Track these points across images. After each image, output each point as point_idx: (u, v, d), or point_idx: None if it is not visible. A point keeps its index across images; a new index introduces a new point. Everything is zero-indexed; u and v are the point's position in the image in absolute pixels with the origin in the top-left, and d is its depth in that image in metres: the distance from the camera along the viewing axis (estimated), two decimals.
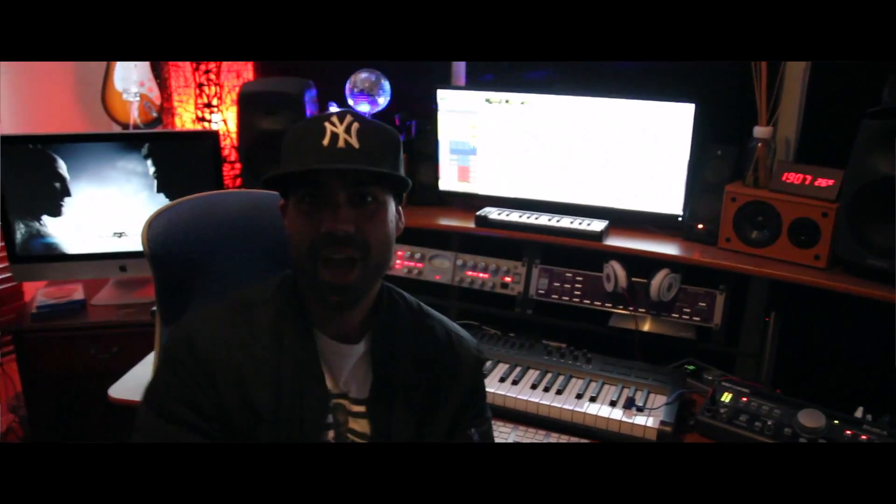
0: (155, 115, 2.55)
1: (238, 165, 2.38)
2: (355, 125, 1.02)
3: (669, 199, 1.97)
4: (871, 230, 1.63)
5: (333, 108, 2.19)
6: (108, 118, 2.51)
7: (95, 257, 2.28)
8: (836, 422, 1.52)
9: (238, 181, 2.47)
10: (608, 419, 1.60)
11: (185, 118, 2.50)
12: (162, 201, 2.25)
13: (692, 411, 1.67)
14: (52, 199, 2.20)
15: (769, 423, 1.55)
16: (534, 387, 1.72)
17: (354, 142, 1.01)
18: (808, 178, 1.75)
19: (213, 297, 1.35)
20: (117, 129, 2.50)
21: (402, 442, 1.11)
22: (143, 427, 1.05)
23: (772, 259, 1.80)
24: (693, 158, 1.92)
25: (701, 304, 1.90)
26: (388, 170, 1.04)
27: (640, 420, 1.58)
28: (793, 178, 1.78)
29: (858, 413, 1.57)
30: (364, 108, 2.23)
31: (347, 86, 2.23)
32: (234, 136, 2.48)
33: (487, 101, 2.10)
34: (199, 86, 2.46)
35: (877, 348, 1.78)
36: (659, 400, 1.65)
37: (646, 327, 1.96)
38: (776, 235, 1.79)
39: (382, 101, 2.23)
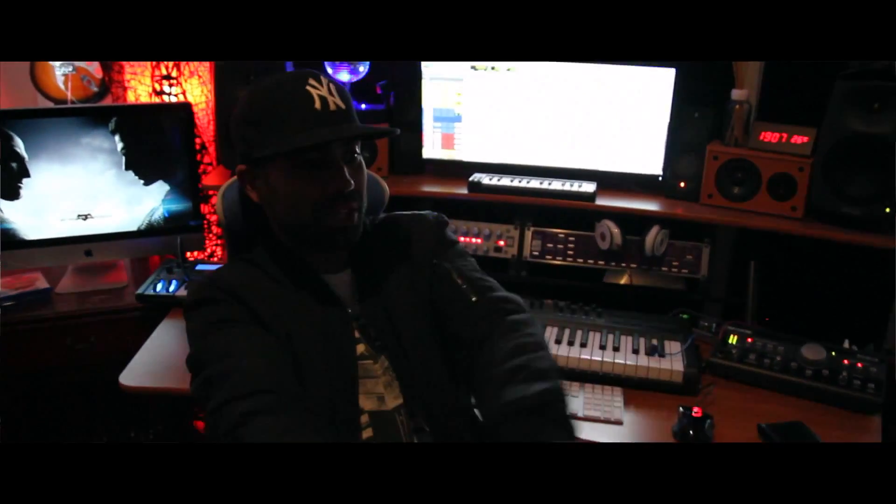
0: (95, 89, 2.40)
1: (198, 140, 2.28)
2: (331, 85, 1.11)
3: (650, 160, 2.10)
4: (844, 181, 1.84)
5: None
6: (37, 94, 2.34)
7: (57, 242, 2.14)
8: (834, 353, 1.72)
9: (204, 157, 2.38)
10: (636, 366, 1.73)
11: (141, 92, 2.36)
12: (131, 179, 2.15)
13: (701, 355, 1.82)
14: (9, 180, 2.04)
15: (777, 358, 1.73)
16: (557, 342, 1.81)
17: (340, 102, 1.11)
18: (784, 136, 1.94)
19: None
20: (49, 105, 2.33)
21: (401, 321, 1.22)
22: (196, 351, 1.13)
23: (752, 212, 1.97)
24: (673, 121, 2.06)
25: (688, 256, 2.06)
26: (358, 123, 1.16)
27: (666, 365, 1.72)
28: (770, 136, 1.96)
29: (846, 345, 1.78)
30: (344, 76, 2.21)
31: None
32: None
33: (473, 67, 2.14)
34: None
35: (850, 287, 2.02)
36: (671, 346, 1.80)
37: (638, 282, 2.10)
38: (756, 190, 1.97)
39: (363, 69, 2.22)
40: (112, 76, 2.38)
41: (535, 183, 2.11)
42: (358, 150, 1.17)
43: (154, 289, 2.07)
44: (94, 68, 2.40)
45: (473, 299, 1.21)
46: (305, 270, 1.22)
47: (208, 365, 1.09)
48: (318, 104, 1.09)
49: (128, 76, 2.37)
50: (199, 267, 2.17)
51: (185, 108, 2.16)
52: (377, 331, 1.23)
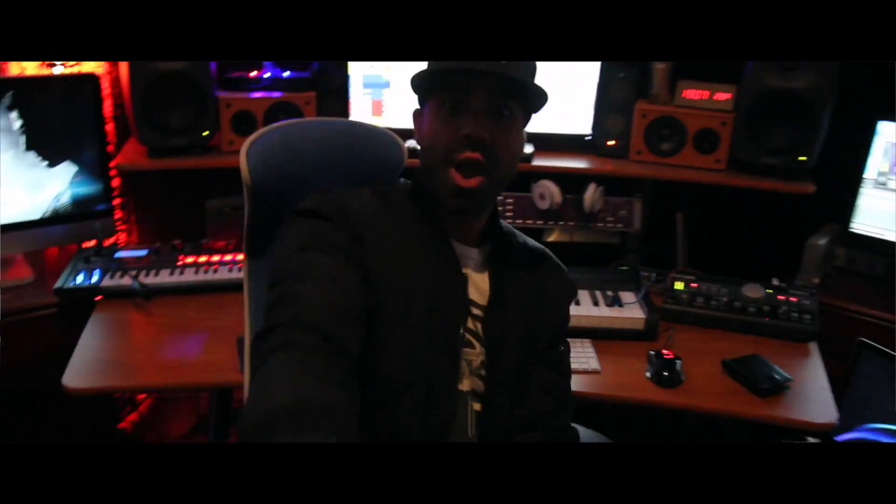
0: None
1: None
2: None
3: (579, 120, 2.19)
4: (763, 134, 2.02)
5: None
6: None
7: None
8: (771, 291, 1.89)
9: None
10: (601, 317, 1.82)
11: (27, 65, 2.12)
12: (33, 161, 1.94)
13: (654, 302, 1.94)
14: None
15: (723, 300, 1.89)
16: None
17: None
18: (707, 93, 2.09)
19: None
20: None
21: (508, 351, 1.19)
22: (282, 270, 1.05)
23: (679, 166, 2.11)
24: (600, 82, 2.15)
25: (622, 211, 2.17)
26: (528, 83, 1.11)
27: (628, 314, 1.82)
28: (693, 94, 2.10)
29: (775, 282, 1.96)
30: None
31: None
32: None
33: None
34: None
35: (770, 230, 2.22)
36: (627, 297, 1.91)
37: (577, 238, 2.19)
38: (682, 145, 2.11)
39: None
40: None
41: None
42: (513, 111, 1.11)
43: (75, 281, 1.89)
44: None
45: (560, 417, 1.24)
46: (436, 223, 1.17)
47: (286, 280, 1.03)
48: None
49: None
50: (120, 254, 2.01)
51: (93, 80, 1.97)
52: (491, 326, 1.18)
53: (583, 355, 1.72)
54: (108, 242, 2.13)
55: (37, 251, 2.12)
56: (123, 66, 1.99)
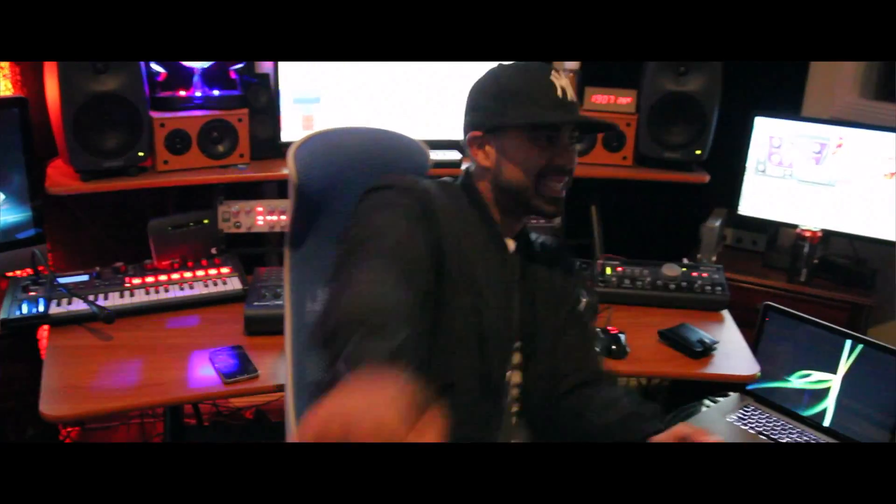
0: None
1: None
2: (565, 79, 1.30)
3: None
4: (663, 132, 2.30)
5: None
6: None
7: None
8: (685, 269, 2.16)
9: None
10: None
11: None
12: None
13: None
14: None
15: (646, 280, 2.13)
16: None
17: (572, 94, 1.31)
18: (612, 97, 2.35)
19: (334, 228, 1.44)
20: None
21: (545, 328, 1.38)
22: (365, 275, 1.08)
23: (591, 164, 2.36)
24: None
25: None
26: None
27: None
28: (600, 98, 2.35)
29: (686, 261, 2.24)
30: (196, 62, 2.14)
31: None
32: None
33: None
34: None
35: (671, 216, 2.50)
36: None
37: None
38: (593, 145, 2.35)
39: None
40: None
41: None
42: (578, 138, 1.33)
43: (20, 311, 1.83)
44: None
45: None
46: (486, 213, 1.34)
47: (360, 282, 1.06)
48: (559, 92, 1.27)
49: None
50: (63, 280, 1.96)
51: (21, 103, 1.92)
52: (522, 312, 1.37)
53: None
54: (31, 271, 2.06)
55: None
56: (52, 87, 1.96)
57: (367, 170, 1.46)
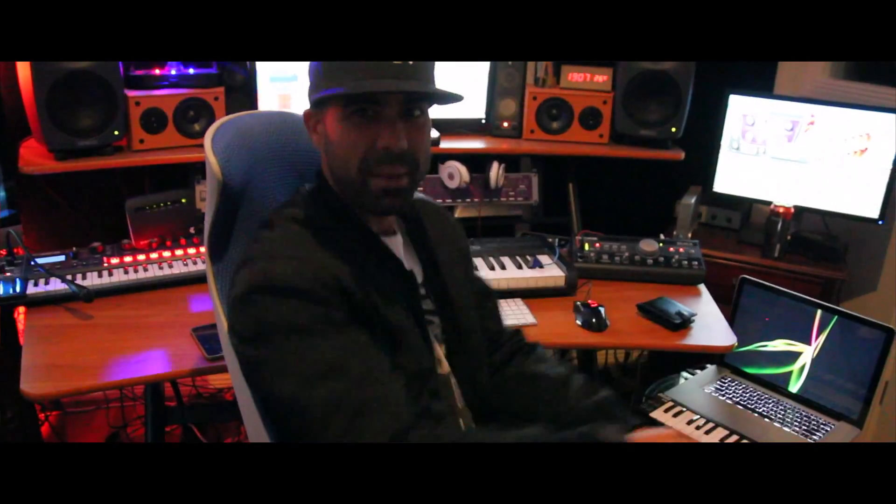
0: None
1: None
2: None
3: (474, 105, 2.40)
4: (639, 110, 2.33)
5: None
6: None
7: None
8: (662, 244, 2.20)
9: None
10: (527, 278, 2.03)
11: None
12: None
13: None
14: None
15: (624, 255, 2.17)
16: None
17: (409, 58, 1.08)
18: (588, 76, 2.37)
19: (251, 224, 1.30)
20: None
21: (464, 309, 1.29)
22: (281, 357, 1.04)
23: (569, 142, 2.38)
24: (492, 70, 2.37)
25: (521, 186, 2.41)
26: (434, 85, 1.13)
27: (549, 273, 2.05)
28: (576, 77, 2.38)
29: (663, 237, 2.28)
30: None
31: None
32: None
33: None
34: None
35: (648, 194, 2.54)
36: (544, 259, 2.14)
37: (485, 213, 2.40)
38: (570, 123, 2.38)
39: None
40: None
41: None
42: (424, 110, 1.12)
43: None
44: None
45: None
46: (365, 231, 1.18)
47: (331, 379, 1.02)
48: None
49: None
50: (41, 260, 1.94)
51: None
52: (435, 293, 1.25)
53: (518, 312, 1.93)
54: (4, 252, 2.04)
55: None
56: (24, 66, 1.93)
57: (276, 157, 1.35)
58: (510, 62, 2.37)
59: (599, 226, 2.44)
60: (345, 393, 1.02)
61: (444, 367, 1.25)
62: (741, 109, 2.44)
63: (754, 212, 2.65)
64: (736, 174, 2.50)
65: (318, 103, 1.14)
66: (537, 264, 2.10)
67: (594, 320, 1.89)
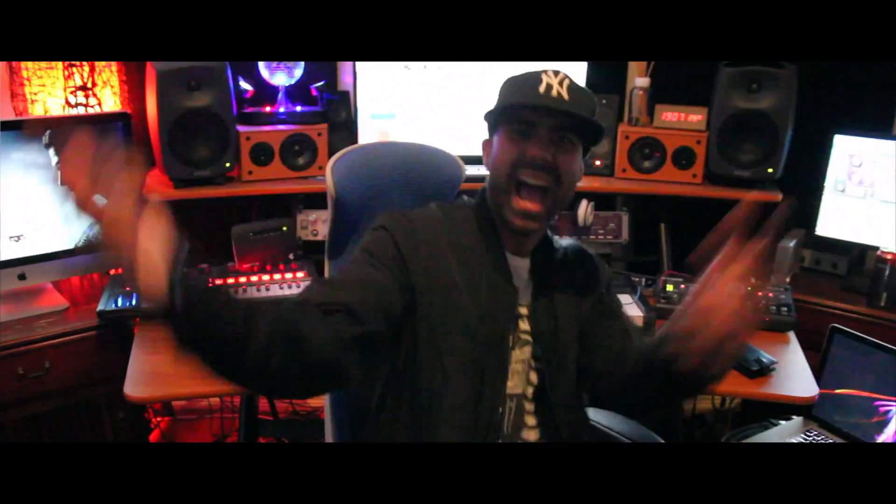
0: None
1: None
2: (566, 81, 1.29)
3: None
4: (734, 150, 2.31)
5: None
6: None
7: None
8: (750, 288, 2.15)
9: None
10: None
11: (52, 105, 2.30)
12: (66, 194, 2.11)
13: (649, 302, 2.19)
14: None
15: None
16: None
17: (565, 94, 1.27)
18: (682, 115, 2.38)
19: None
20: None
21: (564, 334, 1.39)
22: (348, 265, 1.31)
23: (661, 181, 2.39)
24: None
25: (611, 224, 2.44)
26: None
27: (628, 312, 2.05)
28: (670, 116, 2.39)
29: (753, 281, 2.23)
30: (280, 78, 2.34)
31: None
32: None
33: (406, 67, 2.37)
34: (70, 66, 2.29)
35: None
36: (625, 298, 2.15)
37: None
38: (662, 162, 2.39)
39: (298, 72, 2.36)
40: (13, 90, 2.29)
41: (472, 171, 2.37)
42: (573, 141, 1.29)
43: (116, 304, 2.06)
44: None
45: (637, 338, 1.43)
46: (494, 238, 1.36)
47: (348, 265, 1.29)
48: (542, 88, 1.25)
49: (34, 88, 2.29)
50: None
51: (125, 118, 2.17)
52: (539, 321, 1.37)
53: None
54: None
55: (63, 280, 2.28)
56: (151, 104, 2.19)
57: (401, 182, 1.60)
58: (604, 101, 2.42)
59: (692, 267, 2.42)
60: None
61: (512, 384, 1.34)
62: (847, 150, 2.36)
63: (867, 258, 2.53)
64: (841, 217, 2.42)
65: (492, 127, 1.36)
66: None
67: None
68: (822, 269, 2.52)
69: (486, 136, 1.40)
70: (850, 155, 2.37)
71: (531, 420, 1.38)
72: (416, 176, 1.61)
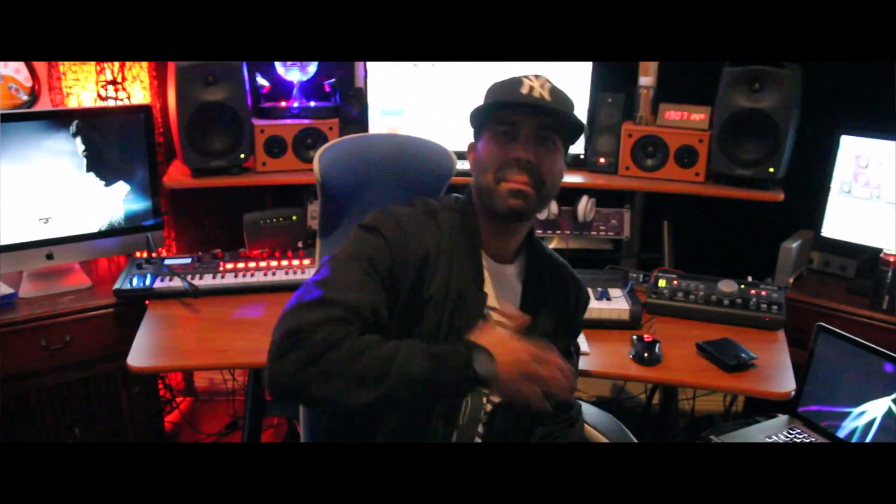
0: (25, 98, 2.51)
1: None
2: (547, 84, 1.39)
3: None
4: (736, 149, 2.35)
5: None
6: None
7: (17, 247, 2.25)
8: (743, 286, 2.20)
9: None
10: (590, 309, 2.10)
11: (85, 98, 2.50)
12: (92, 181, 2.30)
13: (639, 298, 2.25)
14: None
15: (700, 294, 2.19)
16: None
17: (547, 96, 1.36)
18: (685, 114, 2.42)
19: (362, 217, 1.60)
20: None
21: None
22: (333, 264, 1.33)
23: (663, 179, 2.44)
24: (591, 106, 2.49)
25: (613, 221, 2.50)
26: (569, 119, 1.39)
27: (615, 306, 2.13)
28: (673, 115, 2.44)
29: (749, 279, 2.27)
30: (295, 75, 2.48)
31: None
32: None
33: (415, 65, 2.48)
34: (102, 63, 2.48)
35: (745, 234, 2.53)
36: (614, 292, 2.22)
37: (572, 245, 2.52)
38: (665, 161, 2.44)
39: (312, 69, 2.50)
40: (50, 83, 2.50)
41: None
42: (556, 142, 1.38)
43: (131, 283, 2.23)
44: (23, 77, 2.51)
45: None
46: (475, 244, 1.42)
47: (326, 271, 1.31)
48: (525, 90, 1.34)
49: (69, 82, 2.50)
50: (168, 262, 2.35)
51: (146, 110, 2.34)
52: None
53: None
54: (155, 253, 2.48)
55: (91, 261, 2.48)
56: (171, 97, 2.36)
57: (388, 171, 1.71)
58: (609, 99, 2.48)
59: (695, 265, 2.46)
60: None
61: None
62: (853, 151, 2.37)
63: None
64: (847, 219, 2.42)
65: (477, 131, 1.44)
66: (605, 296, 2.19)
67: (646, 354, 1.95)
68: (830, 272, 2.52)
69: None
70: (856, 156, 2.37)
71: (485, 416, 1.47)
72: (402, 166, 1.72)
